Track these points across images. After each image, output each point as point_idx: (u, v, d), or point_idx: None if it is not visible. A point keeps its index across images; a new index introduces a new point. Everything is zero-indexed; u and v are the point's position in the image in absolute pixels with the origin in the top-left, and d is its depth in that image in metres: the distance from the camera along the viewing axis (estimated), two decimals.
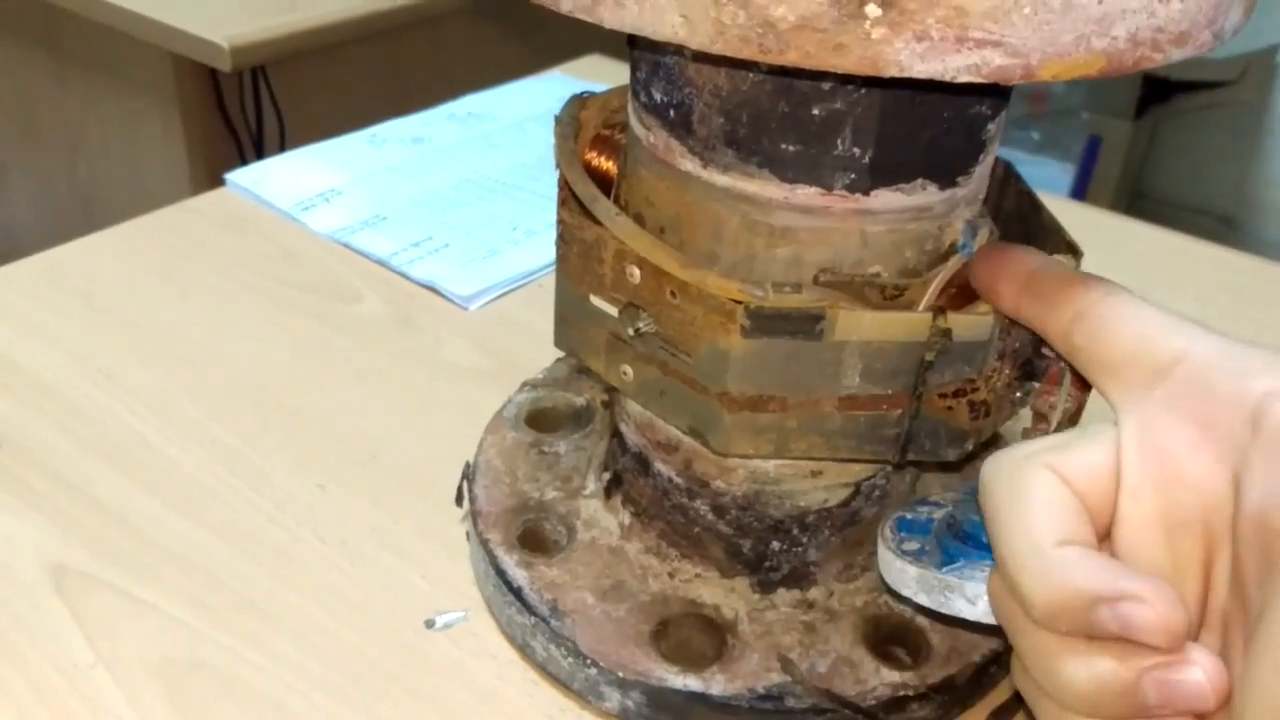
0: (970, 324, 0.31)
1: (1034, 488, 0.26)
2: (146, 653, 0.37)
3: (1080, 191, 1.83)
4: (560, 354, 0.47)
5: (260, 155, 1.14)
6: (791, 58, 0.24)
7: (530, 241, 0.63)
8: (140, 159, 1.18)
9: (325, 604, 0.39)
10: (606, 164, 0.38)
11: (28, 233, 1.44)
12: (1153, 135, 1.88)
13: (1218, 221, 1.85)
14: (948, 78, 0.24)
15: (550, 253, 0.61)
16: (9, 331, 0.52)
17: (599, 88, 0.39)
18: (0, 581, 0.39)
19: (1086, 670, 0.24)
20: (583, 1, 0.25)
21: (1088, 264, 0.32)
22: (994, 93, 0.30)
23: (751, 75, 0.29)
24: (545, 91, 0.83)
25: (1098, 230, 0.65)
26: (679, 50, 0.30)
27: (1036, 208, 0.36)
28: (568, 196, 0.36)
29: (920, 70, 0.24)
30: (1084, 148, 1.85)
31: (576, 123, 0.38)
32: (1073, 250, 0.33)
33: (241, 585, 0.40)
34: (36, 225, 1.42)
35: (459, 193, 0.68)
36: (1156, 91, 1.77)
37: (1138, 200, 1.91)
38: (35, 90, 1.27)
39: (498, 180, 0.70)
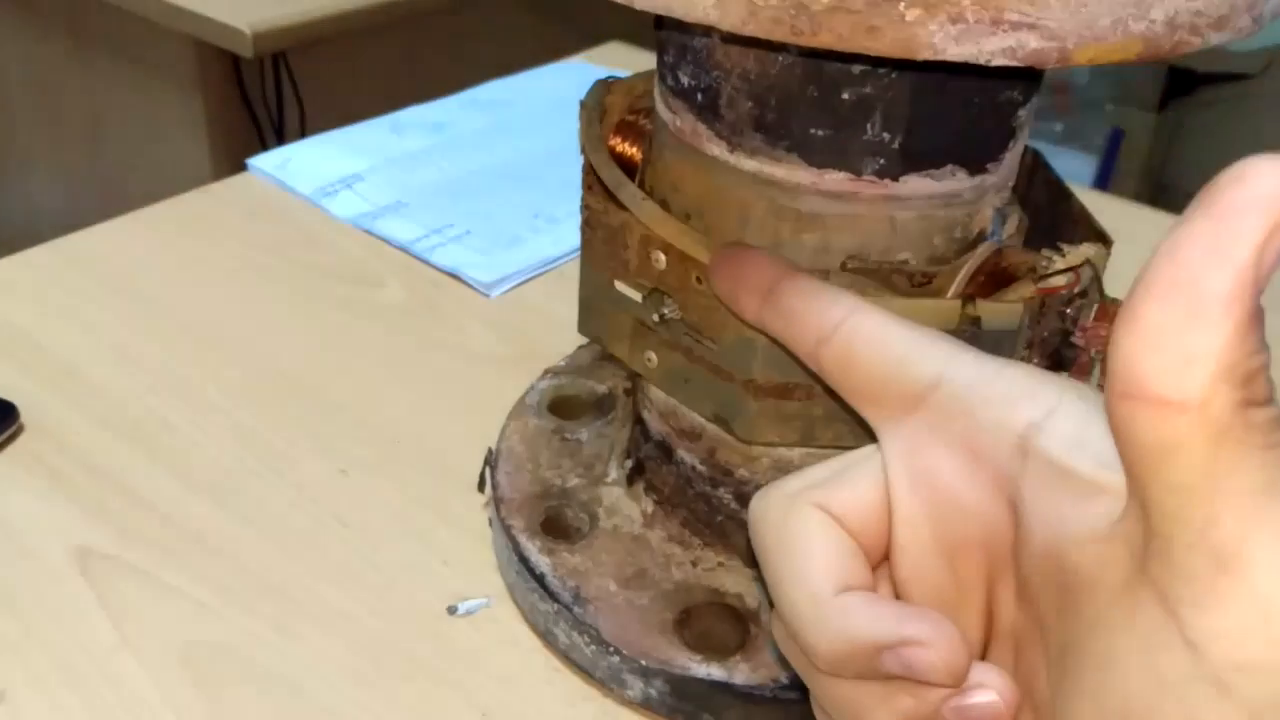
0: (999, 312, 0.31)
1: (805, 532, 0.25)
2: (170, 636, 0.37)
3: (1103, 183, 1.82)
4: (582, 341, 0.47)
5: (281, 141, 1.14)
6: (824, 40, 0.23)
7: (552, 229, 0.63)
8: (162, 145, 1.19)
9: (347, 589, 0.39)
10: (631, 150, 0.38)
11: (49, 217, 1.45)
12: (1176, 128, 1.86)
13: None
14: (982, 61, 0.23)
15: (572, 240, 0.61)
16: (33, 314, 0.53)
17: (621, 74, 0.39)
18: (26, 564, 0.40)
19: (887, 710, 0.23)
20: None
21: (1113, 253, 0.32)
22: (1026, 77, 0.30)
23: (781, 58, 0.29)
24: (567, 78, 0.82)
25: (1122, 219, 0.64)
26: (708, 32, 0.29)
27: (1065, 196, 0.36)
28: (593, 181, 0.36)
29: (954, 53, 0.23)
30: (1107, 140, 1.83)
31: (601, 108, 0.38)
32: (1102, 239, 0.33)
33: (264, 569, 0.40)
34: (58, 210, 1.43)
35: (481, 179, 0.68)
36: (1180, 84, 1.75)
37: (1160, 193, 1.89)
38: (58, 76, 1.28)
39: (519, 167, 0.70)
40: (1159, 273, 0.17)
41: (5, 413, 0.45)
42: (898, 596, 0.25)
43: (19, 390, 0.47)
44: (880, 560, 0.25)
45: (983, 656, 0.25)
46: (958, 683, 0.23)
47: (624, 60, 0.85)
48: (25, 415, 0.46)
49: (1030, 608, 0.23)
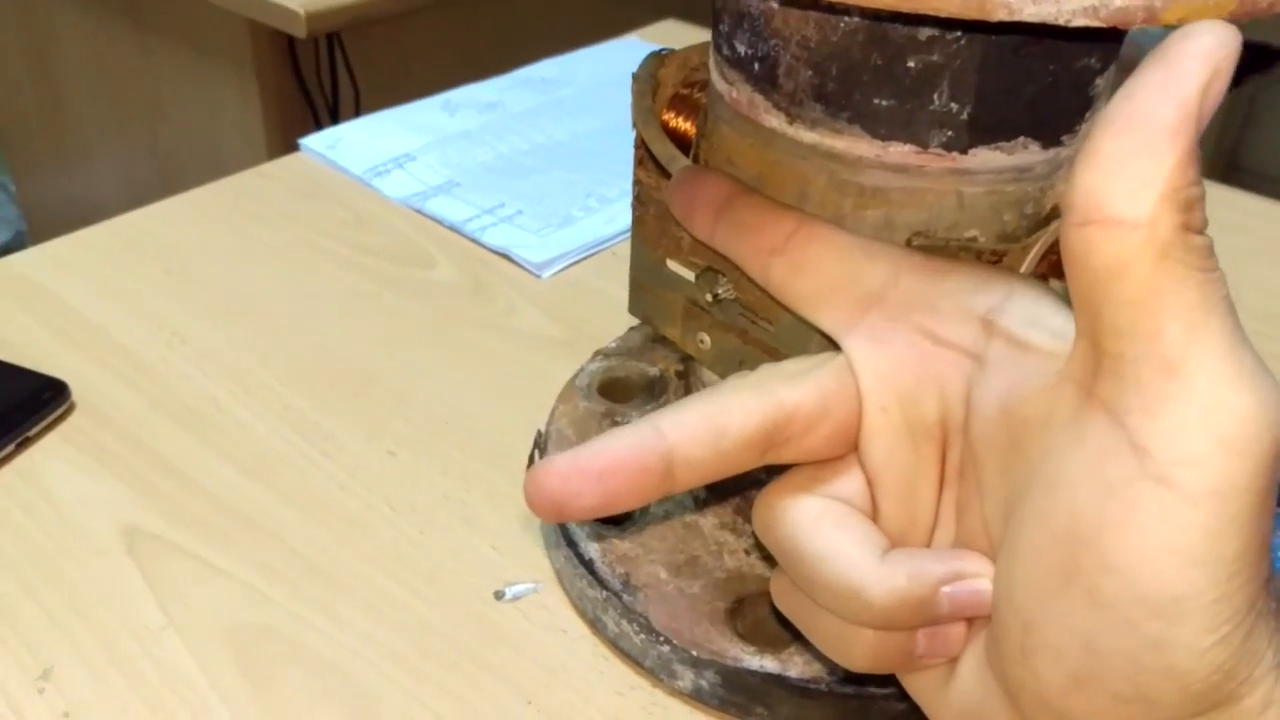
0: (1065, 293, 0.29)
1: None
2: (217, 617, 0.37)
3: None
4: (633, 323, 0.46)
5: (335, 121, 1.14)
6: (891, 0, 0.22)
7: (604, 209, 0.62)
8: (218, 126, 1.19)
9: (394, 573, 0.39)
10: (685, 124, 0.37)
11: (109, 199, 1.47)
12: (1251, 105, 1.80)
13: None
14: (1061, 21, 0.22)
15: (624, 220, 0.60)
16: (86, 294, 0.53)
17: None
18: (75, 541, 0.39)
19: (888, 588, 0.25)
20: None
21: None
22: (1107, 40, 0.28)
23: (843, 25, 0.27)
24: (620, 57, 0.81)
25: None
26: None
27: None
28: (644, 156, 0.34)
29: (1031, 14, 0.22)
30: None
31: (654, 81, 0.36)
32: None
33: (311, 551, 0.40)
34: (117, 191, 1.45)
35: (532, 159, 0.67)
36: (1257, 58, 1.69)
37: (1233, 173, 1.84)
38: (117, 59, 1.29)
39: (571, 147, 0.69)
40: (1118, 112, 0.20)
41: (57, 391, 0.45)
42: (870, 484, 0.27)
43: (70, 368, 0.47)
44: (847, 451, 0.27)
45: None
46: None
47: (679, 38, 0.83)
48: (76, 393, 0.46)
49: (970, 478, 0.25)
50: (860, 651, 0.26)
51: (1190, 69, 0.19)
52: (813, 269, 0.28)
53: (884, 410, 0.26)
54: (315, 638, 0.36)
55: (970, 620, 0.25)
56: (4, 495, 0.41)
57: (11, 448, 0.43)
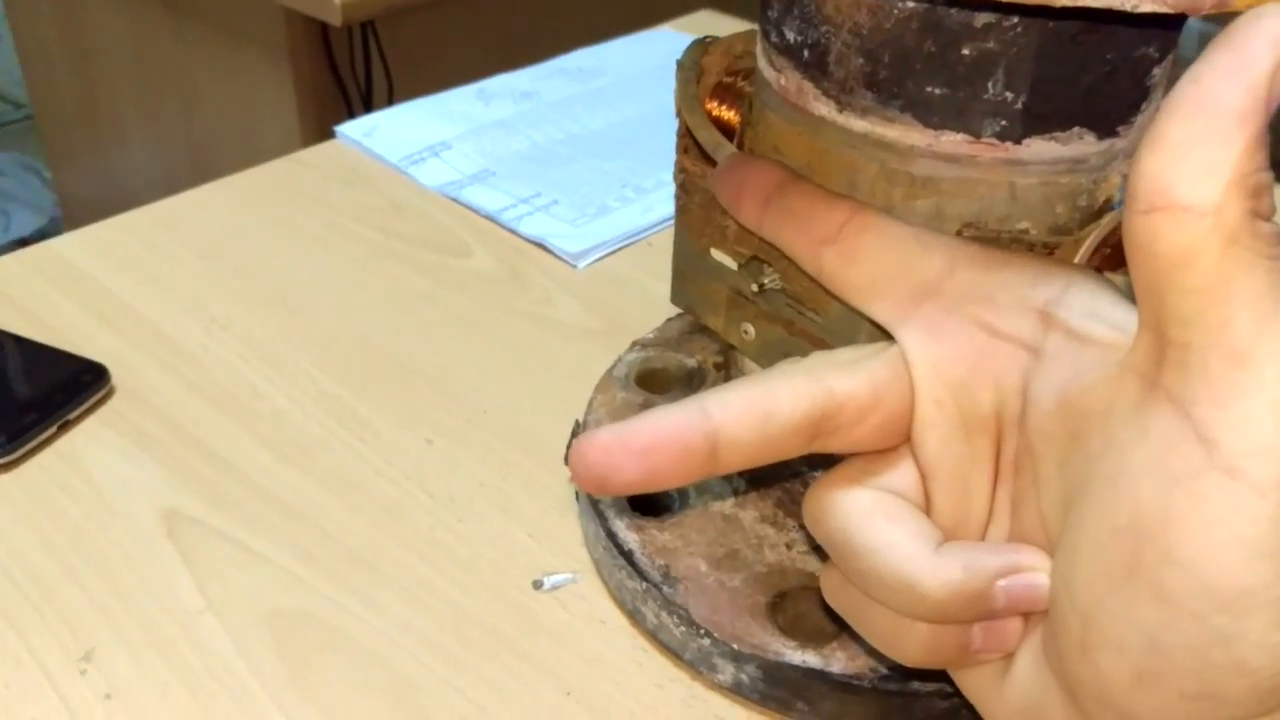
0: (1125, 285, 0.28)
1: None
2: (255, 602, 0.37)
3: None
4: (671, 313, 0.45)
5: (368, 109, 1.15)
6: None
7: (640, 199, 0.61)
8: (252, 113, 1.20)
9: (432, 560, 0.39)
10: (729, 113, 0.36)
11: (143, 185, 1.48)
12: None
13: None
14: (1129, 7, 0.21)
15: (661, 210, 0.60)
16: (127, 278, 0.53)
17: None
18: (115, 524, 0.40)
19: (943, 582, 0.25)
20: None
21: None
22: (1166, 27, 0.28)
23: (896, 10, 0.27)
24: (656, 46, 0.81)
25: None
26: None
27: None
28: (689, 144, 0.34)
29: None
30: None
31: (699, 68, 0.36)
32: None
33: (349, 538, 0.40)
34: (151, 178, 1.46)
35: (568, 149, 0.67)
36: None
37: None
38: (154, 45, 1.30)
39: (607, 136, 0.69)
40: (1184, 96, 0.20)
41: (97, 375, 0.45)
42: (923, 478, 0.27)
43: (111, 352, 0.47)
44: (898, 442, 0.27)
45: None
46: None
47: (713, 28, 0.83)
48: (116, 378, 0.46)
49: (1026, 472, 0.25)
50: (915, 646, 0.25)
51: (1260, 52, 0.19)
52: (866, 259, 0.27)
53: (938, 403, 0.26)
54: (353, 624, 0.36)
55: (1026, 615, 0.25)
56: (45, 477, 0.42)
57: (53, 430, 0.43)
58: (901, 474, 0.27)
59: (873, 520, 0.26)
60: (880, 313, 0.27)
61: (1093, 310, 0.25)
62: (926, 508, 0.27)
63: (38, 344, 0.47)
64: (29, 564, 0.38)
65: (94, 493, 0.41)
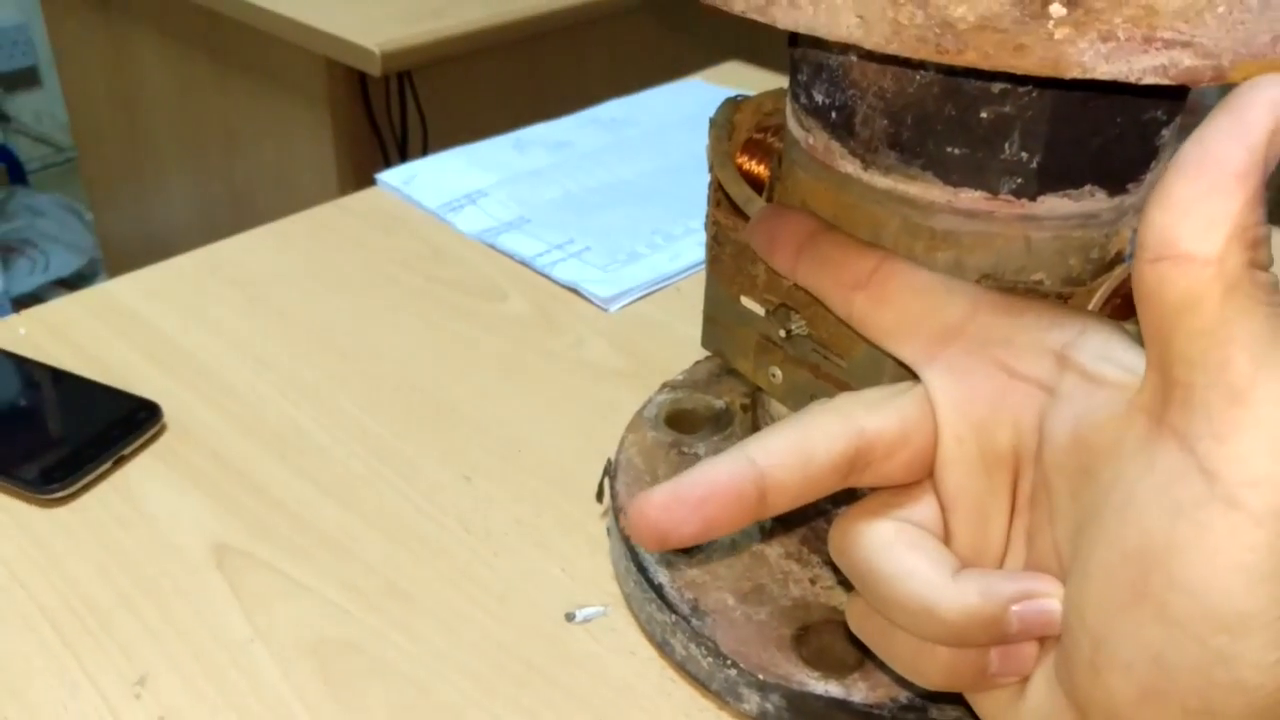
0: (1136, 334, 0.30)
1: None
2: (301, 631, 0.39)
3: None
4: (699, 356, 0.47)
5: (404, 158, 1.18)
6: (970, 58, 0.23)
7: (669, 246, 0.63)
8: (291, 160, 1.23)
9: (469, 593, 0.40)
10: (758, 168, 0.38)
11: (183, 228, 1.51)
12: None
13: None
14: (1133, 79, 0.23)
15: (689, 257, 0.62)
16: (177, 319, 0.55)
17: (739, 93, 0.39)
18: (168, 555, 0.41)
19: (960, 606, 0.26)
20: (756, 2, 0.26)
21: None
22: (1172, 95, 0.29)
23: (919, 76, 0.29)
24: (685, 98, 0.83)
25: None
26: (845, 50, 0.30)
27: None
28: (721, 198, 0.36)
29: (1104, 71, 0.23)
30: None
31: (730, 125, 0.38)
32: None
33: (391, 571, 0.41)
34: (191, 221, 1.49)
35: (600, 197, 0.69)
36: None
37: None
38: (197, 92, 1.34)
39: (638, 185, 0.71)
40: (1189, 156, 0.21)
41: (150, 412, 0.47)
42: (943, 510, 0.28)
43: (163, 391, 0.49)
44: (923, 476, 0.29)
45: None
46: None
47: (742, 79, 0.85)
48: (168, 415, 0.48)
49: (1041, 505, 0.27)
50: (935, 669, 0.27)
51: (1258, 117, 0.21)
52: (895, 303, 0.29)
53: (959, 439, 0.28)
54: (394, 653, 0.38)
55: (1041, 640, 0.26)
56: (102, 510, 0.43)
57: (109, 465, 0.45)
58: (923, 507, 0.28)
59: (895, 549, 0.27)
60: (907, 354, 0.29)
61: (1105, 354, 0.26)
62: (946, 539, 0.28)
63: (94, 382, 0.49)
64: (86, 592, 0.40)
65: (147, 525, 0.43)
